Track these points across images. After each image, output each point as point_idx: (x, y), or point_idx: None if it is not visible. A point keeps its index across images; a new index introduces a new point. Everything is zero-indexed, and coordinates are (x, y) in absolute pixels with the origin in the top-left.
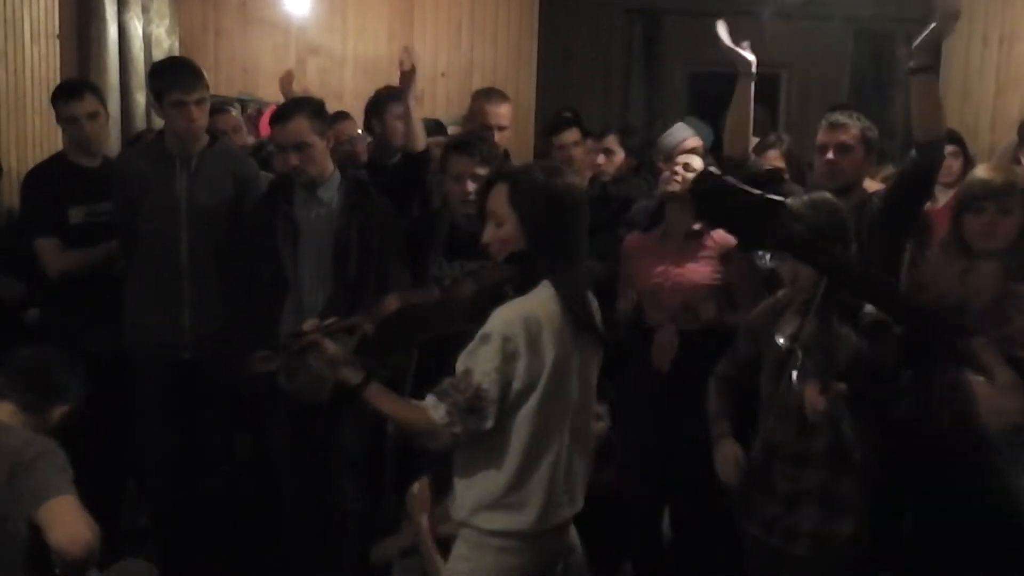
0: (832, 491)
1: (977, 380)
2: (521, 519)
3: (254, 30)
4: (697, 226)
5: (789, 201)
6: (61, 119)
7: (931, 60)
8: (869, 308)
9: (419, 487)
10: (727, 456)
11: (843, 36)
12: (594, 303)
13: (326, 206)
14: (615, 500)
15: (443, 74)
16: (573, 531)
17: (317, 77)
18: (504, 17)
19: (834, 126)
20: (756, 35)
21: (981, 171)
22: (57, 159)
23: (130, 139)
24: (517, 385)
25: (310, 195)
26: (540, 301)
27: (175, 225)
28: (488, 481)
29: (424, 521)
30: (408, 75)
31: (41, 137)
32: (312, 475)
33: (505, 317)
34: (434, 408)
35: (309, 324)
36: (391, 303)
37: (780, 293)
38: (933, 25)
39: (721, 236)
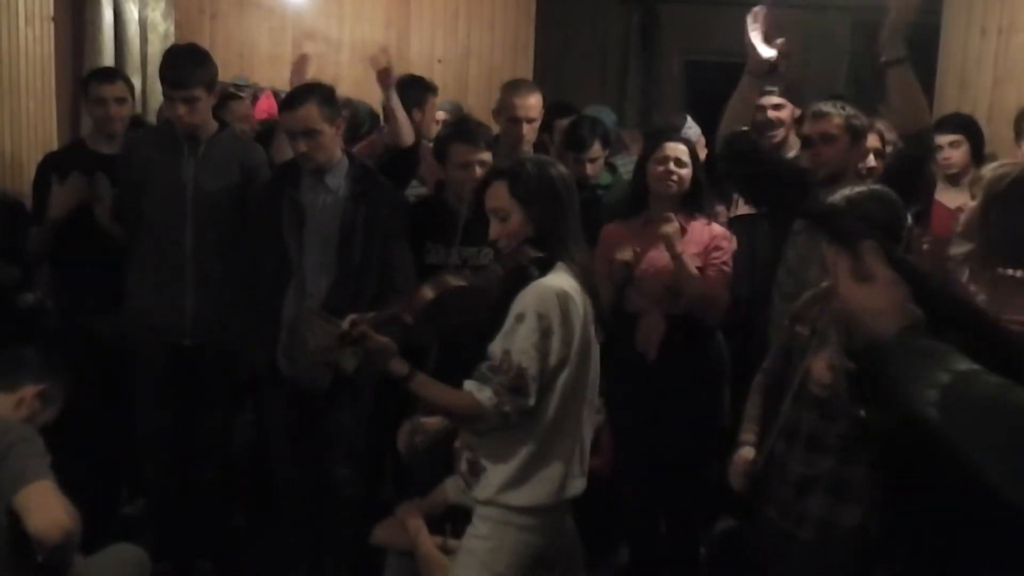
0: (842, 478)
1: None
2: (543, 492)
3: (250, 14)
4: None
5: (846, 191)
6: (89, 100)
7: (902, 52)
8: None
9: (403, 513)
10: (738, 462)
11: (840, 26)
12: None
13: (333, 193)
14: (607, 485)
15: (439, 61)
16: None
17: (313, 62)
18: (501, 4)
19: (817, 116)
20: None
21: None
22: (75, 145)
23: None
24: (552, 361)
25: (317, 181)
26: (563, 279)
27: (180, 210)
28: (517, 458)
29: (422, 533)
30: (383, 74)
31: (35, 120)
32: (309, 461)
33: (537, 295)
34: (479, 391)
35: (351, 318)
36: (427, 292)
37: (823, 284)
38: (891, 15)
39: (699, 227)
